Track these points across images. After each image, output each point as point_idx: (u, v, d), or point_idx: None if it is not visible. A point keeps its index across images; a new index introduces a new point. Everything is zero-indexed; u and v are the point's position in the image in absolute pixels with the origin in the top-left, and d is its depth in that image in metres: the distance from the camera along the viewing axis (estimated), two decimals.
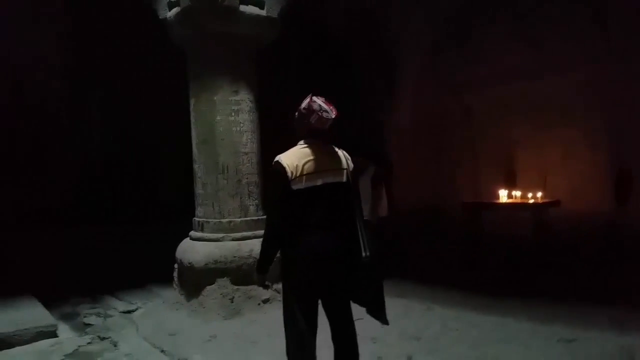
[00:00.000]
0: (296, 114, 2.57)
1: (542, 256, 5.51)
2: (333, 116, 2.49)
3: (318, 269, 2.47)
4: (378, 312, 2.60)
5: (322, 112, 2.48)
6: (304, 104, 2.52)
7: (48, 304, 4.57)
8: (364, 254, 2.50)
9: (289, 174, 2.43)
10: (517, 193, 5.97)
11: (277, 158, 2.48)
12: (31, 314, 4.22)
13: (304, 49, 7.84)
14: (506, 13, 6.59)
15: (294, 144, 2.58)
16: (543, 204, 5.68)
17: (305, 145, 2.53)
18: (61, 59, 6.91)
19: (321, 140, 2.55)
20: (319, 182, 2.48)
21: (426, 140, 7.71)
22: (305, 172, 2.45)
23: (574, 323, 3.71)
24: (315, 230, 2.46)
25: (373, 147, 7.38)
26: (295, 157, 2.47)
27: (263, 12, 4.62)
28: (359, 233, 2.54)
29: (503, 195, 5.97)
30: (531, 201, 5.76)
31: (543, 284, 4.92)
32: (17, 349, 3.76)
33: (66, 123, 7.06)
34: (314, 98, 2.52)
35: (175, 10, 4.53)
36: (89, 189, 7.05)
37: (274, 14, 4.71)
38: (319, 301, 2.58)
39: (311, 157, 2.48)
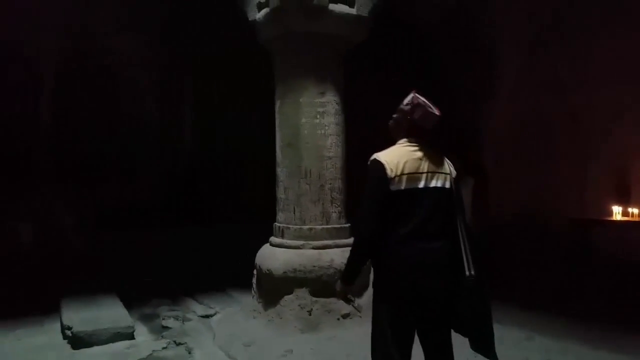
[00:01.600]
0: (395, 114, 2.32)
1: None
2: (438, 113, 2.23)
3: (416, 285, 2.14)
4: (485, 348, 2.23)
5: (427, 107, 2.22)
6: (407, 100, 2.29)
7: (129, 304, 4.65)
8: (467, 273, 2.16)
9: (388, 172, 2.15)
10: (634, 210, 5.22)
11: (374, 155, 2.22)
12: (112, 313, 4.30)
13: (394, 49, 7.52)
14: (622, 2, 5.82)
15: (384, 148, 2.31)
16: None
17: (407, 144, 2.26)
18: (153, 60, 7.13)
19: (422, 140, 2.27)
20: (421, 185, 2.19)
21: (526, 147, 7.05)
22: (406, 172, 2.17)
23: None
24: (414, 239, 2.16)
25: (469, 155, 6.88)
26: (395, 155, 2.20)
27: (353, 11, 4.40)
28: (462, 248, 2.21)
29: (617, 212, 5.25)
30: None
31: None
32: (95, 348, 3.81)
33: (156, 124, 7.29)
34: (417, 94, 2.27)
35: (264, 11, 4.44)
36: (173, 190, 7.22)
37: (365, 12, 4.47)
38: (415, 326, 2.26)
39: (413, 157, 2.21)
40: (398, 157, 2.19)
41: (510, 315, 4.27)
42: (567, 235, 5.80)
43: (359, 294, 4.04)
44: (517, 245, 6.47)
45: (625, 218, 5.27)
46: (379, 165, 2.16)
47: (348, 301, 2.30)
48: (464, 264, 2.17)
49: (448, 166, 2.31)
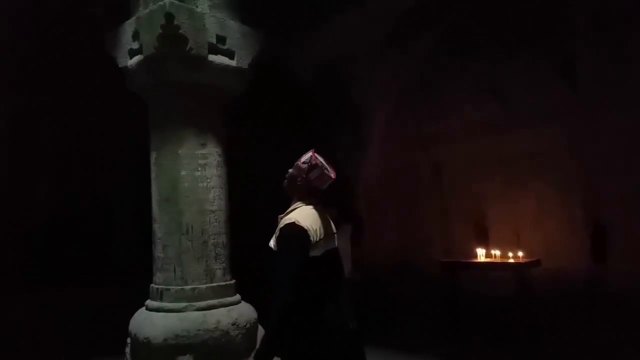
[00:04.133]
0: (292, 170, 2.28)
1: (528, 318, 5.25)
2: (333, 176, 2.24)
3: (337, 347, 2.12)
4: None
5: (324, 169, 2.21)
6: (305, 158, 2.26)
7: None
8: (350, 325, 2.18)
9: (311, 238, 2.09)
10: (496, 252, 5.76)
11: (293, 219, 2.14)
12: None
13: (273, 101, 7.65)
14: (471, 67, 6.62)
15: (282, 202, 2.26)
16: (524, 263, 5.48)
17: (311, 207, 2.22)
18: (5, 105, 6.36)
19: (317, 200, 2.26)
20: (327, 248, 2.21)
21: (395, 195, 7.53)
22: (322, 237, 2.14)
23: None
24: (326, 304, 2.15)
25: (342, 203, 7.10)
26: (309, 219, 2.17)
27: (233, 63, 4.35)
28: (344, 300, 2.24)
29: (481, 254, 5.75)
30: (511, 260, 5.55)
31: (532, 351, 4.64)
32: None
33: (5, 177, 6.43)
34: (316, 154, 2.26)
35: (137, 58, 4.20)
36: (29, 251, 6.35)
37: (244, 64, 4.45)
38: None
39: (319, 220, 2.19)
40: (312, 220, 2.17)
41: None
42: (435, 276, 6.18)
43: (247, 356, 3.82)
44: (393, 289, 6.74)
45: (489, 259, 5.77)
46: (302, 231, 2.10)
47: None
48: (347, 317, 2.19)
49: (332, 223, 2.36)
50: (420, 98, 7.17)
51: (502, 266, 5.59)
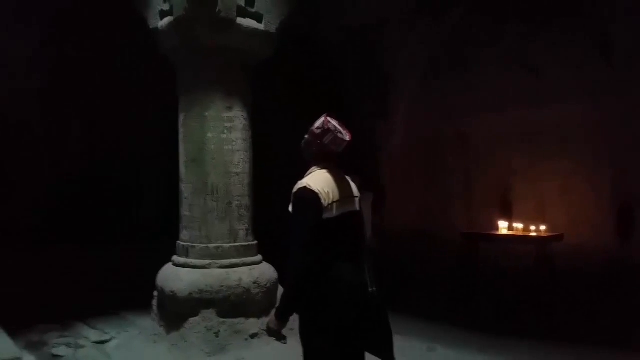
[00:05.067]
0: (307, 135, 2.32)
1: (545, 292, 5.27)
2: (348, 138, 2.27)
3: (352, 310, 2.19)
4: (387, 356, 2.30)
5: (337, 133, 2.24)
6: (318, 123, 2.29)
7: (13, 332, 4.12)
8: (370, 289, 2.25)
9: (322, 201, 2.15)
10: (518, 225, 5.74)
11: (304, 184, 2.19)
12: None
13: (298, 66, 7.62)
14: (504, 37, 6.45)
15: (303, 166, 2.31)
16: (546, 237, 5.45)
17: (325, 170, 2.27)
18: (37, 62, 6.49)
19: (334, 164, 2.31)
20: (344, 211, 2.25)
21: (420, 165, 7.49)
22: (335, 199, 2.19)
23: None
24: (343, 263, 2.21)
25: (366, 171, 7.13)
26: (321, 182, 2.21)
27: (261, 26, 4.37)
28: (366, 265, 2.31)
29: (503, 227, 5.73)
30: (534, 234, 5.53)
31: (548, 322, 4.69)
32: None
33: (40, 133, 6.63)
34: (329, 118, 2.28)
35: (167, 19, 4.25)
36: (62, 206, 6.59)
37: (272, 28, 4.47)
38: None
39: (334, 183, 2.24)
40: (324, 184, 2.21)
41: (411, 327, 4.44)
42: (456, 247, 6.21)
43: (266, 315, 3.97)
44: (413, 258, 6.82)
45: (511, 232, 5.76)
46: (313, 194, 2.15)
47: (281, 338, 2.22)
48: (367, 280, 2.25)
49: (355, 188, 2.40)
50: (449, 68, 7.04)
51: (523, 239, 5.57)
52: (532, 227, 5.63)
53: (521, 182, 6.49)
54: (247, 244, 4.31)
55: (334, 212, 2.19)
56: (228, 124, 4.28)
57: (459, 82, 6.94)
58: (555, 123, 6.08)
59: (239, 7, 4.12)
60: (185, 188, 4.33)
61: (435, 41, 7.12)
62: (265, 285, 4.16)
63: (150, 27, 4.49)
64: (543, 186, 6.22)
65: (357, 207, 2.38)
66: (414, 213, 7.34)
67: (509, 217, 6.10)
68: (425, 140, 7.44)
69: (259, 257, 4.38)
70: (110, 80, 6.73)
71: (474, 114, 6.85)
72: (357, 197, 2.39)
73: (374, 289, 2.26)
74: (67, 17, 6.37)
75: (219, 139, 4.25)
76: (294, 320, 2.24)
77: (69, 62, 6.61)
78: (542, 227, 5.56)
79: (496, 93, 6.54)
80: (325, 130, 2.28)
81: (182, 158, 4.39)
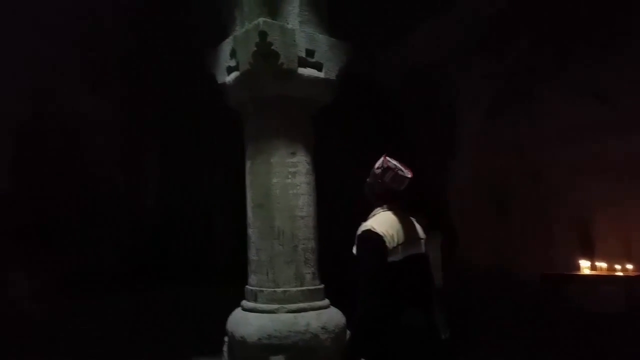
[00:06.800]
0: (369, 178, 2.35)
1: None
2: (409, 175, 2.27)
3: (425, 355, 2.16)
4: None
5: (397, 170, 2.25)
6: (378, 163, 2.32)
7: None
8: (443, 336, 2.18)
9: (387, 243, 2.15)
10: (602, 264, 5.35)
11: (368, 226, 2.21)
12: None
13: (360, 107, 7.75)
14: (570, 65, 6.22)
15: (366, 209, 2.32)
16: (635, 277, 5.04)
17: (389, 212, 2.27)
18: (116, 117, 7.08)
19: (398, 204, 2.30)
20: (409, 253, 2.24)
21: (491, 201, 7.25)
22: (400, 242, 2.18)
23: None
24: (411, 308, 2.20)
25: (433, 210, 6.98)
26: (385, 224, 2.22)
27: (321, 74, 4.52)
28: (436, 310, 2.24)
29: (585, 267, 5.36)
30: (620, 273, 5.14)
31: None
32: None
33: (120, 182, 7.13)
34: (388, 157, 2.31)
35: (234, 74, 4.51)
36: (137, 254, 6.97)
37: (332, 75, 4.61)
38: None
39: (399, 224, 2.23)
40: (388, 225, 2.21)
41: None
42: (536, 290, 5.86)
43: None
44: (486, 301, 6.49)
45: (594, 272, 5.38)
46: (377, 237, 2.16)
47: None
48: (439, 326, 2.19)
49: (420, 229, 2.36)
50: (515, 100, 6.87)
51: (610, 280, 5.17)
52: (617, 266, 5.23)
53: (602, 218, 6.08)
54: (313, 287, 4.31)
55: (400, 255, 2.17)
56: (292, 169, 4.40)
57: (526, 114, 6.75)
58: (635, 151, 5.72)
59: (299, 58, 4.30)
60: (252, 233, 4.45)
61: (498, 74, 7.02)
62: (334, 330, 4.12)
63: (219, 82, 4.78)
64: (627, 220, 5.80)
65: (423, 249, 2.35)
66: (486, 252, 7.05)
67: (591, 256, 5.71)
68: (495, 175, 7.21)
69: (326, 302, 4.36)
70: (182, 133, 7.17)
71: (545, 147, 6.59)
72: (423, 238, 2.36)
73: (447, 335, 2.20)
74: (145, 77, 6.94)
75: (284, 183, 4.36)
76: None
77: (145, 119, 7.14)
78: (629, 266, 5.15)
79: (567, 124, 6.29)
80: (385, 168, 2.30)
81: (249, 203, 4.54)
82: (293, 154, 4.42)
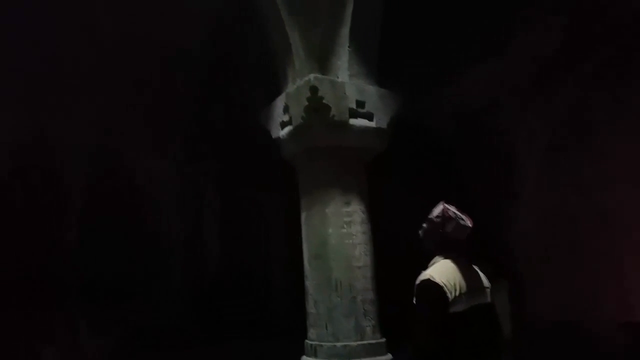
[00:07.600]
0: (425, 224, 2.30)
1: None
2: (470, 225, 2.21)
3: None
4: None
5: (459, 220, 2.19)
6: (436, 212, 2.27)
7: None
8: None
9: (448, 294, 2.08)
10: None
11: (427, 275, 2.15)
12: None
13: (413, 154, 7.72)
14: (630, 102, 5.96)
15: (424, 257, 2.27)
16: None
17: (450, 260, 2.21)
18: (178, 178, 7.41)
19: (459, 253, 2.23)
20: (473, 303, 2.14)
21: (556, 247, 6.87)
22: (462, 292, 2.10)
23: None
24: None
25: (496, 257, 6.71)
26: (447, 274, 2.15)
27: (372, 124, 4.57)
28: None
29: None
30: None
31: None
32: None
33: (181, 242, 7.36)
34: (447, 206, 2.26)
35: (287, 128, 4.64)
36: (197, 308, 7.07)
37: (383, 124, 4.65)
38: None
39: (460, 274, 2.15)
40: (449, 274, 2.14)
41: None
42: (613, 340, 5.41)
43: None
44: (558, 355, 6.03)
45: None
46: (437, 287, 2.09)
47: None
48: None
49: (484, 278, 2.27)
50: (575, 139, 6.62)
51: None
52: None
53: None
54: (375, 341, 4.18)
55: (463, 305, 2.08)
56: (347, 219, 4.39)
57: (587, 153, 6.47)
58: None
59: (350, 110, 4.38)
60: (309, 285, 4.42)
61: (555, 114, 6.83)
62: None
63: (273, 136, 4.93)
64: None
65: (489, 298, 2.24)
66: (557, 301, 6.62)
67: None
68: (558, 220, 6.87)
69: (388, 356, 4.21)
70: (236, 189, 7.40)
71: (610, 186, 6.26)
72: (487, 287, 2.25)
73: None
74: (206, 136, 7.32)
75: (339, 233, 4.35)
76: None
77: (205, 175, 7.44)
78: None
79: (633, 161, 5.97)
80: (446, 218, 2.25)
81: (306, 255, 4.54)
82: (347, 203, 4.43)
